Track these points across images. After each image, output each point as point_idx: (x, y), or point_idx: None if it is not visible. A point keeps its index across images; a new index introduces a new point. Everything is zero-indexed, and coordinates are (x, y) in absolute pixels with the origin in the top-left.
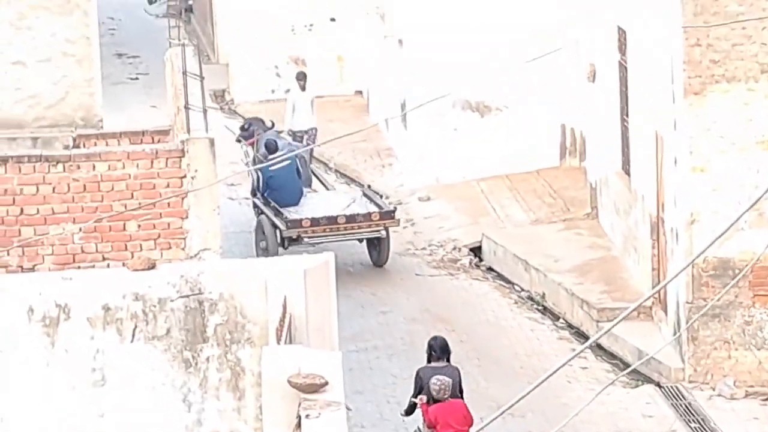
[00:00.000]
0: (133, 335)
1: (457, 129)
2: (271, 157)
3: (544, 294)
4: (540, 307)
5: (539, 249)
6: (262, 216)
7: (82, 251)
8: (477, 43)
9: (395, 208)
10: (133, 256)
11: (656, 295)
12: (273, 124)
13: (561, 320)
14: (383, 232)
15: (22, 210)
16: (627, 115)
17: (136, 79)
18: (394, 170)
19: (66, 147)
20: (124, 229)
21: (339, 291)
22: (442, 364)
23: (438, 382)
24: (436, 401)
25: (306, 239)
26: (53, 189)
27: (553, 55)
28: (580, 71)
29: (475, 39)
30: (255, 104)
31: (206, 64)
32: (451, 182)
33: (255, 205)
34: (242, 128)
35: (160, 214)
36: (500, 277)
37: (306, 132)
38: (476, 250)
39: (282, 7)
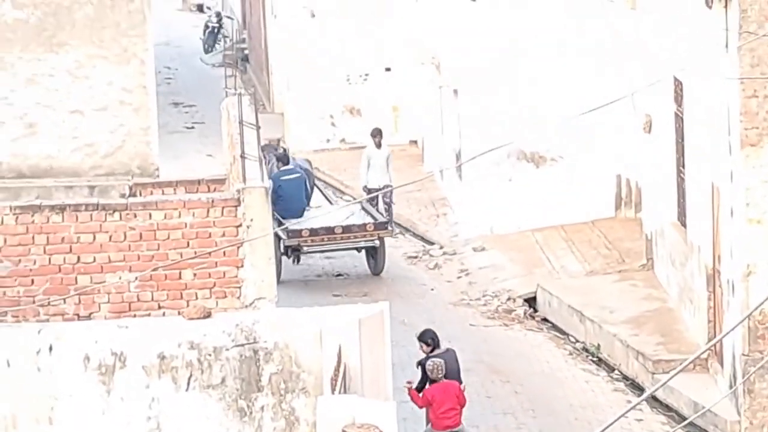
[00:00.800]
0: (189, 384)
1: (512, 179)
2: (282, 168)
3: (599, 345)
4: (595, 359)
5: (594, 300)
6: None
7: (138, 299)
8: (532, 93)
9: (389, 219)
10: (188, 305)
11: (712, 348)
12: (284, 150)
13: (616, 372)
14: (377, 242)
15: (78, 258)
16: (683, 166)
17: (192, 128)
18: (448, 220)
19: (122, 195)
20: (180, 277)
21: (392, 341)
22: (442, 350)
23: (432, 364)
24: (432, 382)
25: (305, 248)
26: (110, 237)
27: (608, 106)
28: (636, 122)
29: (530, 90)
30: (310, 153)
31: (262, 113)
32: (506, 232)
33: None
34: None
35: (216, 262)
36: (555, 328)
37: (380, 189)
38: (531, 301)
39: (337, 57)
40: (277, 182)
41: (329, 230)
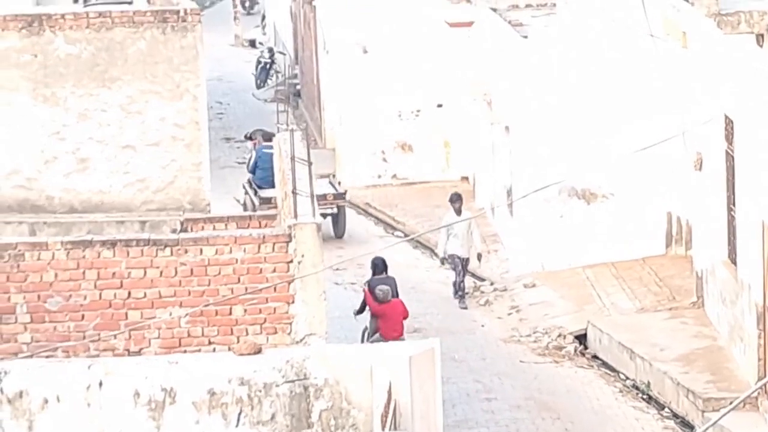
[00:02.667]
0: (239, 420)
1: (563, 216)
2: (265, 143)
3: (649, 383)
4: (645, 396)
5: (644, 337)
6: (247, 195)
7: (189, 335)
8: (583, 130)
9: (346, 191)
10: (239, 341)
11: (763, 386)
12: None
13: (666, 410)
14: (336, 209)
15: (129, 293)
16: (734, 204)
17: (244, 163)
18: (499, 256)
19: (174, 231)
20: (231, 313)
21: (443, 377)
22: (384, 276)
23: (381, 291)
24: (381, 302)
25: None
26: (161, 273)
27: (660, 143)
28: (687, 160)
29: (581, 127)
30: (362, 189)
31: (314, 148)
32: (557, 269)
33: (244, 187)
34: (246, 136)
35: (267, 298)
36: (605, 365)
37: (462, 260)
38: (581, 338)
39: (389, 93)
40: (259, 153)
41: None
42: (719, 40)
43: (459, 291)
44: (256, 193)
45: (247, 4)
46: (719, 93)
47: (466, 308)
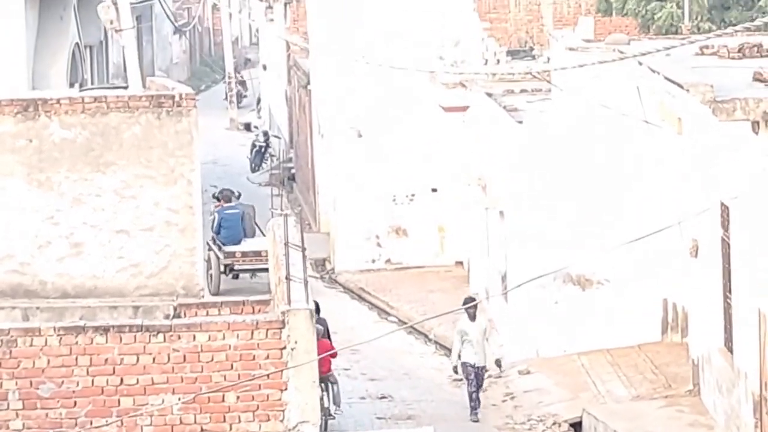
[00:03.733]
0: None
1: (558, 302)
2: (225, 204)
3: None
4: None
5: (640, 426)
6: (211, 252)
7: (181, 422)
8: (578, 216)
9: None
10: (231, 428)
11: None
12: (239, 195)
13: None
14: None
15: (122, 380)
16: (730, 291)
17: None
18: (494, 342)
19: (167, 316)
20: (224, 400)
21: None
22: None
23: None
24: None
25: (237, 266)
26: (153, 359)
27: (656, 232)
28: (683, 246)
29: (576, 213)
30: (355, 273)
31: (308, 233)
32: (552, 356)
33: (208, 245)
34: (214, 196)
35: (260, 385)
36: None
37: (476, 369)
38: (576, 426)
39: (384, 177)
40: (221, 215)
41: (257, 253)
42: (715, 126)
43: (472, 402)
44: (220, 248)
45: (235, 98)
46: (715, 179)
47: (477, 421)
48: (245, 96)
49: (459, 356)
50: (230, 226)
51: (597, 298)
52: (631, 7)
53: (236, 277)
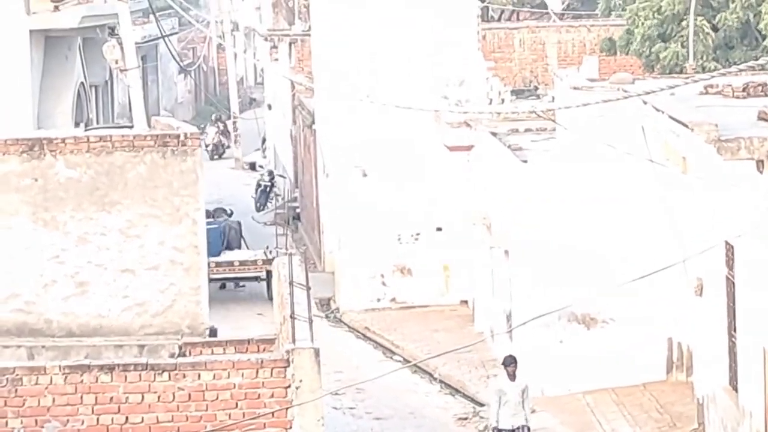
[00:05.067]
0: None
1: (563, 341)
2: (207, 219)
3: None
4: None
5: None
6: None
7: None
8: (582, 255)
9: (274, 257)
10: None
11: None
12: (231, 212)
13: None
14: (265, 273)
15: (127, 419)
16: (735, 330)
17: (243, 286)
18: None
19: (172, 355)
20: None
21: None
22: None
23: None
24: None
25: (212, 275)
26: (158, 398)
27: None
28: (687, 285)
29: (582, 251)
30: (360, 313)
31: (312, 272)
32: (557, 394)
33: None
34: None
35: (264, 424)
36: None
37: (513, 430)
38: None
39: (388, 217)
40: None
41: (230, 263)
42: (719, 165)
43: None
44: None
45: (213, 150)
46: (719, 218)
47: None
48: (228, 147)
49: (497, 420)
50: (210, 239)
51: (602, 337)
52: (636, 47)
53: (222, 287)
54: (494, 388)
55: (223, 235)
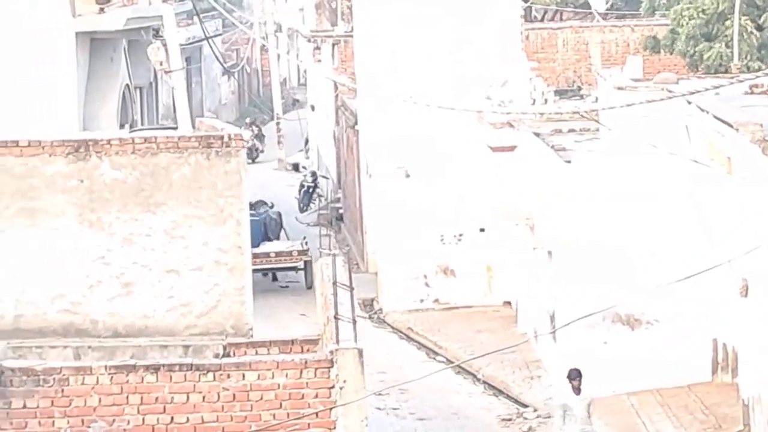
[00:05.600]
0: None
1: (607, 342)
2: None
3: None
4: None
5: None
6: None
7: None
8: (626, 256)
9: (308, 248)
10: None
11: None
12: (272, 205)
13: None
14: (301, 264)
15: (172, 419)
16: None
17: (286, 287)
18: (543, 383)
19: (216, 355)
20: None
21: None
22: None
23: None
24: None
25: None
26: (203, 398)
27: (705, 270)
28: (732, 285)
29: (626, 252)
30: (403, 313)
31: (356, 273)
32: (601, 396)
33: None
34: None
35: (308, 424)
36: None
37: None
38: None
39: (431, 217)
40: None
41: (266, 254)
42: (764, 165)
43: None
44: None
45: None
46: (765, 218)
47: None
48: (261, 151)
49: None
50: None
51: (646, 337)
52: (680, 47)
53: (266, 275)
54: (558, 402)
55: (264, 227)
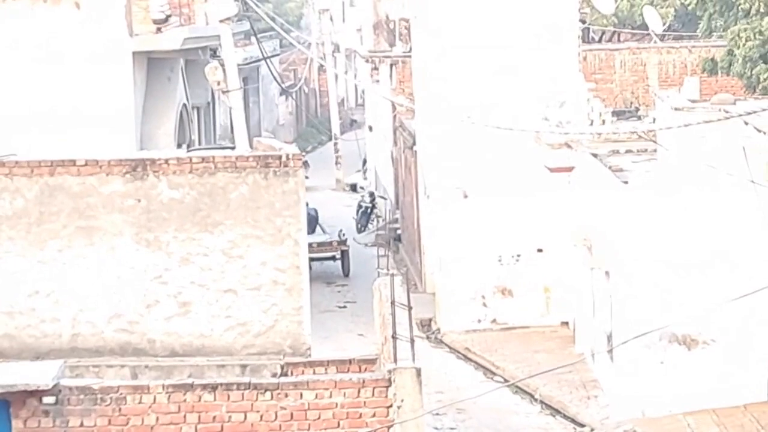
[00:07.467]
0: None
1: (664, 362)
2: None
3: None
4: None
5: None
6: None
7: None
8: (684, 276)
9: (346, 238)
10: None
11: None
12: (307, 203)
13: None
14: (339, 253)
15: None
16: None
17: (344, 307)
18: (599, 402)
19: (274, 375)
20: None
21: None
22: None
23: None
24: None
25: None
26: (261, 417)
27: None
28: None
29: (683, 272)
30: (461, 333)
31: (413, 293)
32: (658, 416)
33: None
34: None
35: None
36: None
37: None
38: None
39: (489, 238)
40: None
41: (309, 245)
42: None
43: None
44: None
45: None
46: None
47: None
48: (307, 177)
49: None
50: None
51: (703, 357)
52: (737, 69)
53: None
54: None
55: (316, 222)
